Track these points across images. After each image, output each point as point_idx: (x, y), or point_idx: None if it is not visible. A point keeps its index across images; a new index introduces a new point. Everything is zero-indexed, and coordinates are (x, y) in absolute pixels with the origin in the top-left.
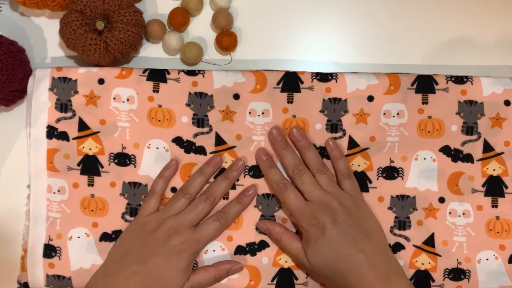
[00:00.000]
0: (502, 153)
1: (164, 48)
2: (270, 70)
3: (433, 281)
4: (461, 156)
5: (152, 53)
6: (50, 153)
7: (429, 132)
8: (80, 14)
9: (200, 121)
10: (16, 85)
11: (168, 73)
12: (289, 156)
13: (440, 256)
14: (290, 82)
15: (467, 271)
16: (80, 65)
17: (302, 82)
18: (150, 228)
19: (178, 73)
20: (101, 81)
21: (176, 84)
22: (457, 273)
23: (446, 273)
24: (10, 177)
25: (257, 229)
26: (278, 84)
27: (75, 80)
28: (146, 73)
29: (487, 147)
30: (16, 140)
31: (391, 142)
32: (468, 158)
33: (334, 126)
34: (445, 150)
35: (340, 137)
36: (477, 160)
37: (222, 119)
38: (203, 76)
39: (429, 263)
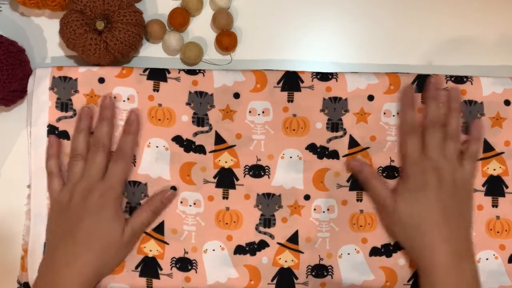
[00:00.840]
0: (502, 152)
1: (164, 48)
2: (270, 70)
3: None
4: None
5: (152, 53)
6: None
7: None
8: (80, 14)
9: (200, 120)
10: (16, 85)
11: (169, 72)
12: (435, 108)
13: None
14: (290, 81)
15: None
16: (80, 65)
17: (302, 81)
18: (65, 202)
19: (179, 72)
20: (101, 80)
21: (176, 83)
22: None
23: None
24: (10, 177)
25: (256, 228)
26: (278, 83)
27: (76, 79)
28: (147, 72)
29: (488, 147)
30: (16, 140)
31: (391, 142)
32: None
33: (334, 125)
34: None
35: (341, 136)
36: (478, 160)
37: (222, 118)
38: (204, 75)
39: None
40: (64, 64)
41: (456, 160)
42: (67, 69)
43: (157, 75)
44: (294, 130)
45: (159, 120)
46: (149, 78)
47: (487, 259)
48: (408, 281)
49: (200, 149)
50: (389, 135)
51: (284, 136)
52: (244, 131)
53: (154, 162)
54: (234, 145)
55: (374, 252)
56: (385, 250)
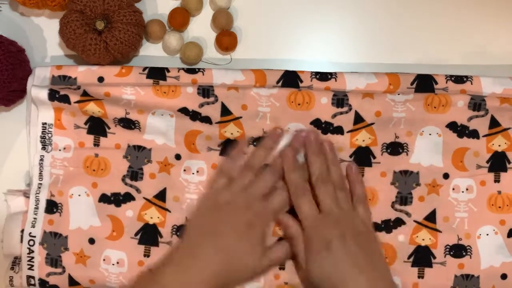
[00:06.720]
0: (509, 128)
1: (164, 48)
2: (270, 69)
3: (434, 258)
4: (467, 132)
5: (152, 53)
6: (57, 111)
7: (435, 107)
8: (80, 14)
9: (205, 91)
10: (16, 85)
11: (168, 71)
12: (319, 163)
13: (440, 232)
14: (290, 81)
15: (468, 247)
16: (80, 65)
17: (301, 81)
18: (220, 206)
19: (178, 71)
20: (100, 79)
21: (175, 82)
22: (458, 250)
23: (447, 249)
24: (10, 177)
25: None
26: (277, 82)
27: (75, 78)
28: (146, 71)
29: (494, 123)
30: (16, 140)
31: (397, 118)
32: (474, 134)
33: (340, 101)
34: (451, 125)
35: (346, 112)
36: (483, 136)
37: (227, 89)
38: (203, 74)
39: (430, 239)
40: (64, 64)
41: (351, 207)
42: (67, 68)
43: (157, 74)
44: (299, 104)
45: (164, 93)
46: (148, 77)
47: (487, 234)
48: None
49: (206, 119)
50: (395, 112)
51: (289, 109)
52: (250, 102)
53: (160, 129)
54: (241, 117)
55: None
56: None
